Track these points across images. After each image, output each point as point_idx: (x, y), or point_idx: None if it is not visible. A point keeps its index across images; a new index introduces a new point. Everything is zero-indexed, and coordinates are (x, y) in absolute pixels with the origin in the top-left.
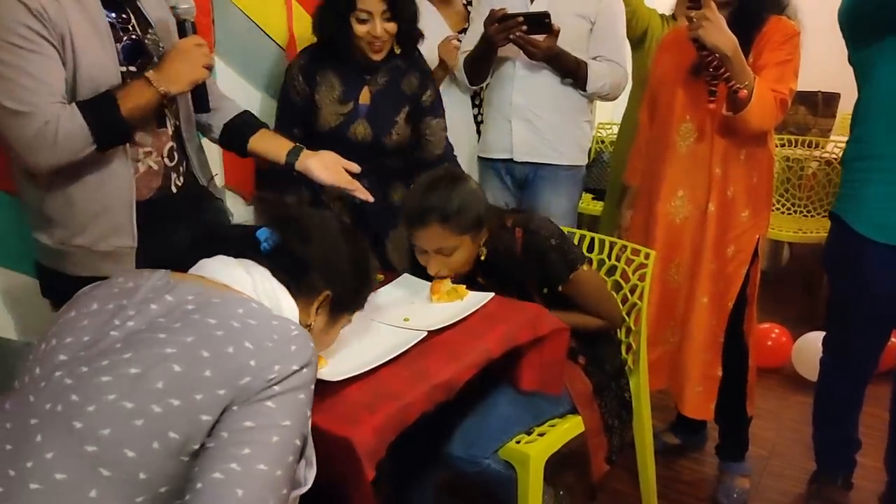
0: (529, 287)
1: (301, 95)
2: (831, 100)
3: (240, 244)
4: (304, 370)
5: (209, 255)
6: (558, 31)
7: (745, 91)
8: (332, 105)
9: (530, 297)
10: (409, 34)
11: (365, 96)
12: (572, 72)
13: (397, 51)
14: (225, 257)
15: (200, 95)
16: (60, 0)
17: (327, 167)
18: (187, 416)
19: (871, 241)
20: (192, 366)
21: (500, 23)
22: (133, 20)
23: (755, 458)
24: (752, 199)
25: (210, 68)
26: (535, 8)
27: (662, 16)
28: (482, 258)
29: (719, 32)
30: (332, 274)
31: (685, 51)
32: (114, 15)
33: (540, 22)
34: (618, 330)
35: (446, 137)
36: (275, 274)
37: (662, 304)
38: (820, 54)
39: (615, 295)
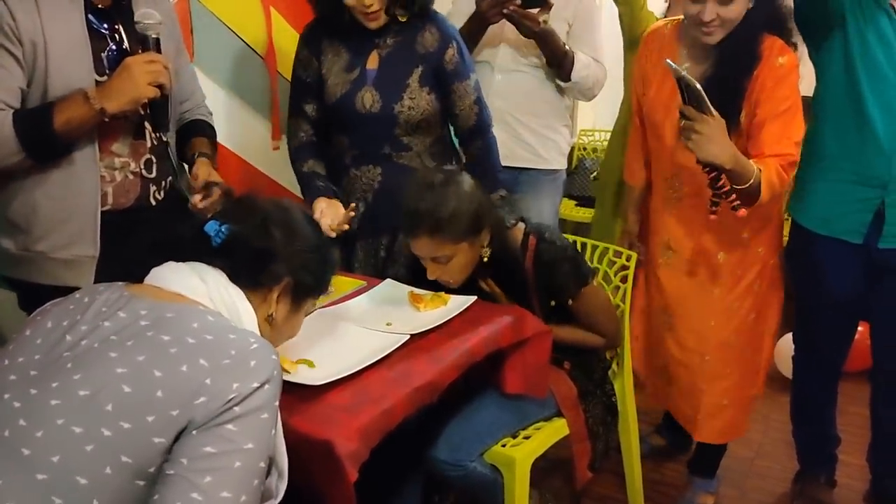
0: (532, 297)
1: (309, 70)
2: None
3: (193, 243)
4: (266, 386)
5: (163, 261)
6: (551, 6)
7: (744, 211)
8: (339, 74)
9: (531, 307)
10: (406, 2)
11: (373, 61)
12: (560, 56)
13: (401, 17)
14: (175, 264)
15: (156, 113)
16: (39, 6)
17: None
18: (139, 439)
19: (819, 236)
20: (143, 386)
21: None
22: (122, 30)
23: (740, 458)
24: (752, 218)
25: (162, 87)
26: None
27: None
28: (484, 259)
29: (713, 144)
30: (294, 261)
31: (665, 52)
32: (105, 26)
33: None
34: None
35: (478, 105)
36: (231, 269)
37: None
38: (804, 60)
39: (616, 313)
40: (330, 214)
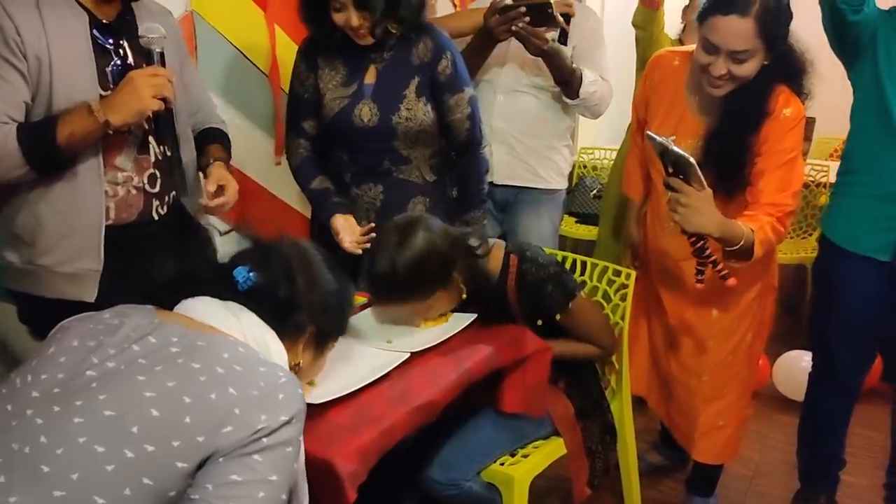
0: (519, 319)
1: (306, 85)
2: (807, 124)
3: (217, 282)
4: (293, 421)
5: (187, 294)
6: (559, 24)
7: (733, 280)
8: (336, 89)
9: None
10: (396, 17)
11: (371, 75)
12: (567, 74)
13: (394, 30)
14: (211, 299)
15: (161, 126)
16: (44, 22)
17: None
18: (162, 462)
19: (844, 251)
20: (171, 411)
21: (501, 14)
22: (127, 45)
23: (739, 477)
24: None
25: (166, 100)
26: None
27: (673, 42)
28: (463, 296)
29: (699, 216)
30: (315, 308)
31: (671, 87)
32: (111, 41)
33: (543, 12)
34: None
35: (471, 121)
36: (260, 315)
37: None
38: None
39: (608, 321)
40: (349, 231)
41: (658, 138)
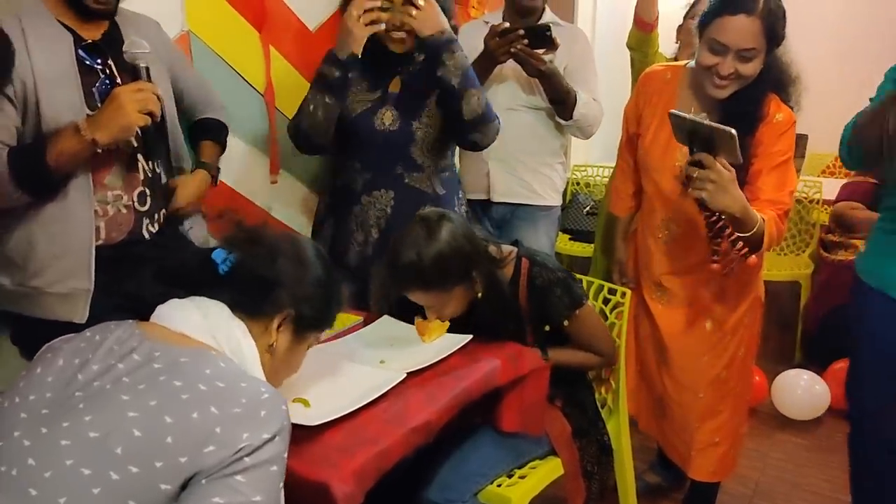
0: (526, 324)
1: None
2: (799, 140)
3: (198, 271)
4: (277, 439)
5: (166, 289)
6: (557, 46)
7: (755, 258)
8: (360, 93)
9: (524, 333)
10: None
11: (395, 85)
12: (563, 95)
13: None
14: (178, 301)
15: (150, 141)
16: (28, 44)
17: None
18: (146, 484)
19: (871, 289)
20: (153, 431)
21: (501, 37)
22: (112, 63)
23: (738, 496)
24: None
25: (152, 114)
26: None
27: (669, 62)
28: (478, 296)
29: (726, 195)
30: (298, 292)
31: (665, 98)
32: (98, 60)
33: (541, 35)
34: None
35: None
36: (233, 298)
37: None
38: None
39: (609, 331)
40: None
41: (688, 116)
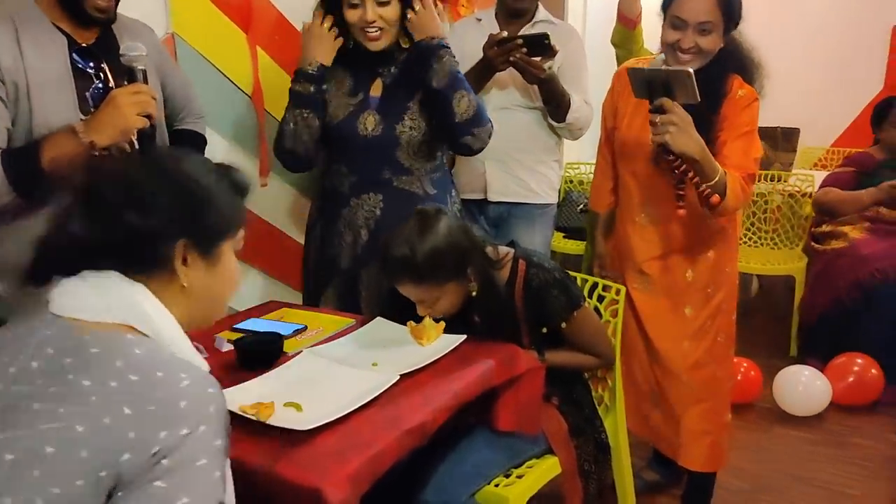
0: (522, 326)
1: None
2: (791, 135)
3: (71, 249)
4: (202, 429)
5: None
6: (556, 53)
7: (718, 196)
8: (341, 98)
9: (520, 335)
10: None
11: (377, 88)
12: (559, 99)
13: (405, 44)
14: (67, 285)
15: (145, 144)
16: (21, 47)
17: None
18: None
19: None
20: (65, 446)
21: (499, 45)
22: (106, 67)
23: (737, 491)
24: (716, 239)
25: (150, 117)
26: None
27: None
28: (473, 294)
29: (687, 137)
30: (178, 215)
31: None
32: (91, 64)
33: (540, 43)
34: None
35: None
36: (119, 260)
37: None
38: (778, 91)
39: (607, 332)
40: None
41: (645, 68)
